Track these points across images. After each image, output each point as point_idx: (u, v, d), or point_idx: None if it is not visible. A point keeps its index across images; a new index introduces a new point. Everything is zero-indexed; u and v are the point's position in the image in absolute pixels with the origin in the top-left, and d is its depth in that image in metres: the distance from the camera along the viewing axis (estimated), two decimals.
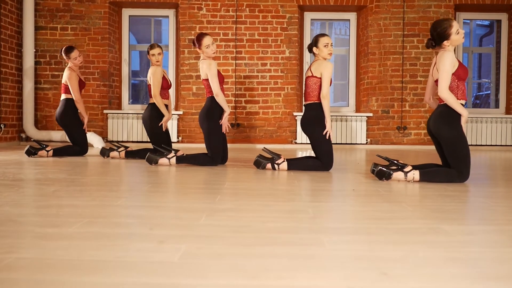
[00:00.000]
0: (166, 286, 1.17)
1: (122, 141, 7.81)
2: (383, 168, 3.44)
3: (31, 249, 1.50)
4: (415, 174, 3.38)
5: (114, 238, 1.66)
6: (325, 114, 4.06)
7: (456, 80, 3.37)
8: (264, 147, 4.33)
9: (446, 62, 3.31)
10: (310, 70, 4.19)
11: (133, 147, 7.09)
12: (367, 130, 7.99)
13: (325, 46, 4.14)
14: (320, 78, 4.10)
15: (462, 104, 3.37)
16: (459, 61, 3.43)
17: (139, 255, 1.45)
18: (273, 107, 7.94)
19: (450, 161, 3.37)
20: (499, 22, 8.33)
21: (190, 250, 1.51)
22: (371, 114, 7.94)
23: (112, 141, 6.05)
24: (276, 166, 4.12)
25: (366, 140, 7.93)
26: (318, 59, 4.19)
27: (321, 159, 4.09)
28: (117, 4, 8.05)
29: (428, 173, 3.39)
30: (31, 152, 5.25)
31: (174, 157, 4.40)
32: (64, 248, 1.52)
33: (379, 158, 5.06)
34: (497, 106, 8.40)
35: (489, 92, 9.48)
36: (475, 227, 1.92)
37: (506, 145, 7.88)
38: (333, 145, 7.56)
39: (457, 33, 3.35)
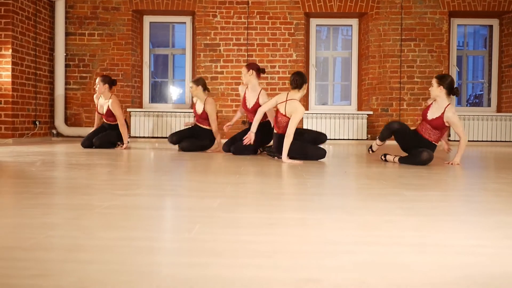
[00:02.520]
0: (210, 217, 1.90)
1: (144, 137, 8.58)
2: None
3: (117, 200, 2.24)
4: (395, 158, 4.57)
5: (169, 196, 2.41)
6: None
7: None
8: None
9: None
10: (285, 109, 4.63)
11: (153, 141, 7.84)
12: (367, 127, 8.68)
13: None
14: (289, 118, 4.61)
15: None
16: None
17: (189, 204, 2.19)
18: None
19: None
20: (491, 27, 8.99)
21: (224, 202, 2.25)
22: (371, 112, 8.64)
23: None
24: None
25: (367, 136, 8.63)
26: (293, 98, 4.61)
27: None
28: (139, 12, 8.82)
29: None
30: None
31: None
32: (138, 200, 2.26)
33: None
34: (489, 105, 9.07)
35: (482, 92, 10.14)
36: (427, 193, 2.64)
37: (497, 141, 8.54)
38: (336, 140, 8.27)
39: None
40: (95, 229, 1.64)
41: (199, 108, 6.02)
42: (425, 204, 2.27)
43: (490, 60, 9.08)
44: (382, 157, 4.82)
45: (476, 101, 12.93)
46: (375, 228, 1.73)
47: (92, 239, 1.52)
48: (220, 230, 1.66)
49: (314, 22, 9.00)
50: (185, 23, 9.03)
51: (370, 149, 5.01)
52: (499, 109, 8.90)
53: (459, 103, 9.37)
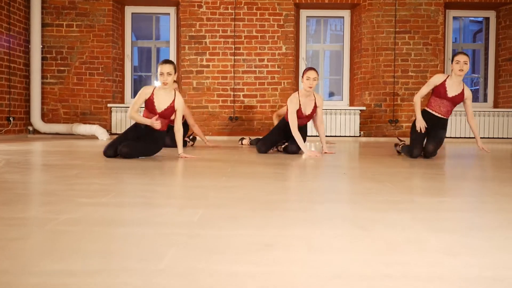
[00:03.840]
0: (188, 236, 1.51)
1: None
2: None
3: (76, 212, 1.84)
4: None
5: (141, 205, 2.01)
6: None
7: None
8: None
9: None
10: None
11: None
12: (360, 123, 8.34)
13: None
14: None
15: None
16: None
17: (164, 216, 1.79)
18: (270, 101, 8.28)
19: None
20: (487, 19, 8.69)
21: (207, 213, 1.85)
22: (364, 108, 8.29)
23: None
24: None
25: (360, 132, 8.28)
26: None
27: None
28: (121, 2, 8.37)
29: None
30: None
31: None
32: (102, 211, 1.86)
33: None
34: (485, 100, 8.77)
35: (478, 87, 9.84)
36: (439, 199, 2.27)
37: (494, 137, 8.25)
38: (327, 137, 7.90)
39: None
40: (35, 258, 1.24)
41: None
42: (446, 214, 1.89)
43: (486, 54, 8.77)
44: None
45: None
46: (397, 250, 1.35)
47: (24, 275, 1.12)
48: (200, 257, 1.26)
49: (304, 13, 8.61)
50: (169, 14, 8.60)
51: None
52: (495, 105, 8.60)
53: None
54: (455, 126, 8.26)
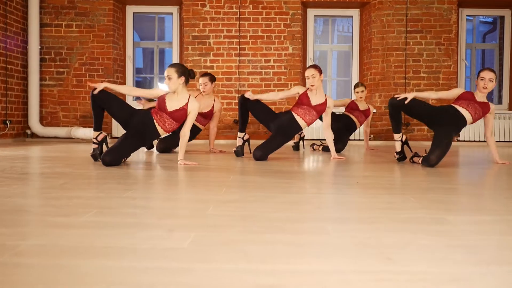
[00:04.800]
0: (177, 270, 1.21)
1: None
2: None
3: (44, 236, 1.54)
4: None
5: (124, 227, 1.70)
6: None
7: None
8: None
9: None
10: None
11: None
12: (370, 126, 8.01)
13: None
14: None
15: None
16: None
17: (150, 242, 1.49)
18: (277, 103, 7.96)
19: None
20: (502, 18, 8.34)
21: (199, 237, 1.55)
22: (374, 111, 7.96)
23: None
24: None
25: (370, 136, 7.95)
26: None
27: None
28: (122, 1, 8.09)
29: None
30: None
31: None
32: (75, 235, 1.56)
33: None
34: (500, 102, 8.41)
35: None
36: (476, 217, 1.95)
37: (510, 141, 7.89)
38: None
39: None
40: None
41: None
42: (490, 240, 1.57)
43: (501, 54, 8.42)
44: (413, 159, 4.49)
45: None
46: None
47: None
48: None
49: (311, 12, 8.30)
50: (171, 13, 8.31)
51: (397, 154, 4.55)
52: (511, 107, 8.24)
53: None
54: (473, 130, 7.91)
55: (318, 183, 3.04)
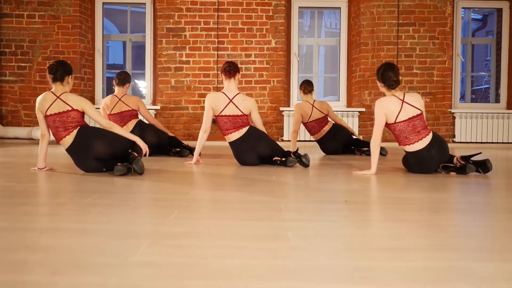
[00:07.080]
0: None
1: None
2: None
3: None
4: None
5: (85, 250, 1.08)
6: None
7: None
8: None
9: None
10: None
11: None
12: (359, 126, 7.45)
13: None
14: None
15: None
16: None
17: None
18: (258, 102, 7.36)
19: None
20: (499, 11, 7.82)
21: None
22: (363, 109, 7.41)
23: None
24: None
25: (359, 137, 7.39)
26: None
27: None
28: None
29: None
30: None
31: None
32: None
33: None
34: (497, 100, 7.89)
35: (488, 86, 8.98)
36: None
37: (508, 143, 7.38)
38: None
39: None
40: None
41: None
42: None
43: (498, 49, 7.90)
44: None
45: (473, 96, 11.76)
46: None
47: None
48: None
49: (296, 4, 7.71)
50: (144, 4, 7.67)
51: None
52: (509, 106, 7.72)
53: (462, 98, 8.19)
54: (470, 130, 7.39)
55: (299, 201, 2.43)
